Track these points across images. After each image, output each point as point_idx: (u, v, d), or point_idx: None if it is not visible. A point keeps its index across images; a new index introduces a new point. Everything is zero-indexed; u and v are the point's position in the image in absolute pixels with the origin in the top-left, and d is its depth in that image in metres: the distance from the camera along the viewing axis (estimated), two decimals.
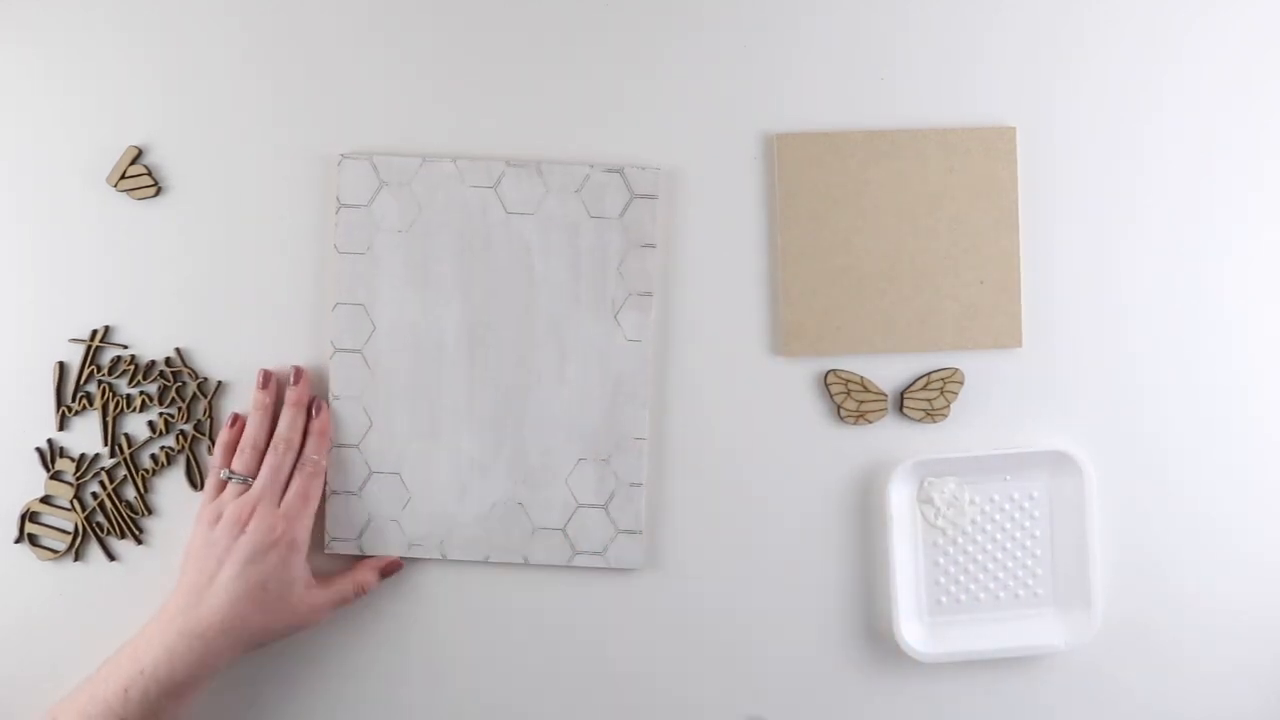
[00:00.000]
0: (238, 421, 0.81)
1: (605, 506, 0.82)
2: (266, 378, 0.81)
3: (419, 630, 0.83)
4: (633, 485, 0.82)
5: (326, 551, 0.82)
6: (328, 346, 0.82)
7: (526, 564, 0.82)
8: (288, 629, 0.78)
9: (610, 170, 0.81)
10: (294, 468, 0.80)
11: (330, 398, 0.82)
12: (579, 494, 0.82)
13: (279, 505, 0.78)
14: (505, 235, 0.82)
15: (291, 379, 0.82)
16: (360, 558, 0.82)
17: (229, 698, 0.82)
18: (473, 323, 0.82)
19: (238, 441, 0.81)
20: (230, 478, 0.79)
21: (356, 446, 0.82)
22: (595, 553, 0.82)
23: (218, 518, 0.78)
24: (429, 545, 0.82)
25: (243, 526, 0.77)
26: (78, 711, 0.75)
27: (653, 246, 0.82)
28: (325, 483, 0.81)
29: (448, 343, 0.82)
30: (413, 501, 0.82)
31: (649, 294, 0.82)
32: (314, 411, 0.81)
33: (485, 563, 0.83)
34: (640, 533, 0.82)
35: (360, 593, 0.81)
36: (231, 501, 0.78)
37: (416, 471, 0.82)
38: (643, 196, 0.81)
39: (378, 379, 0.82)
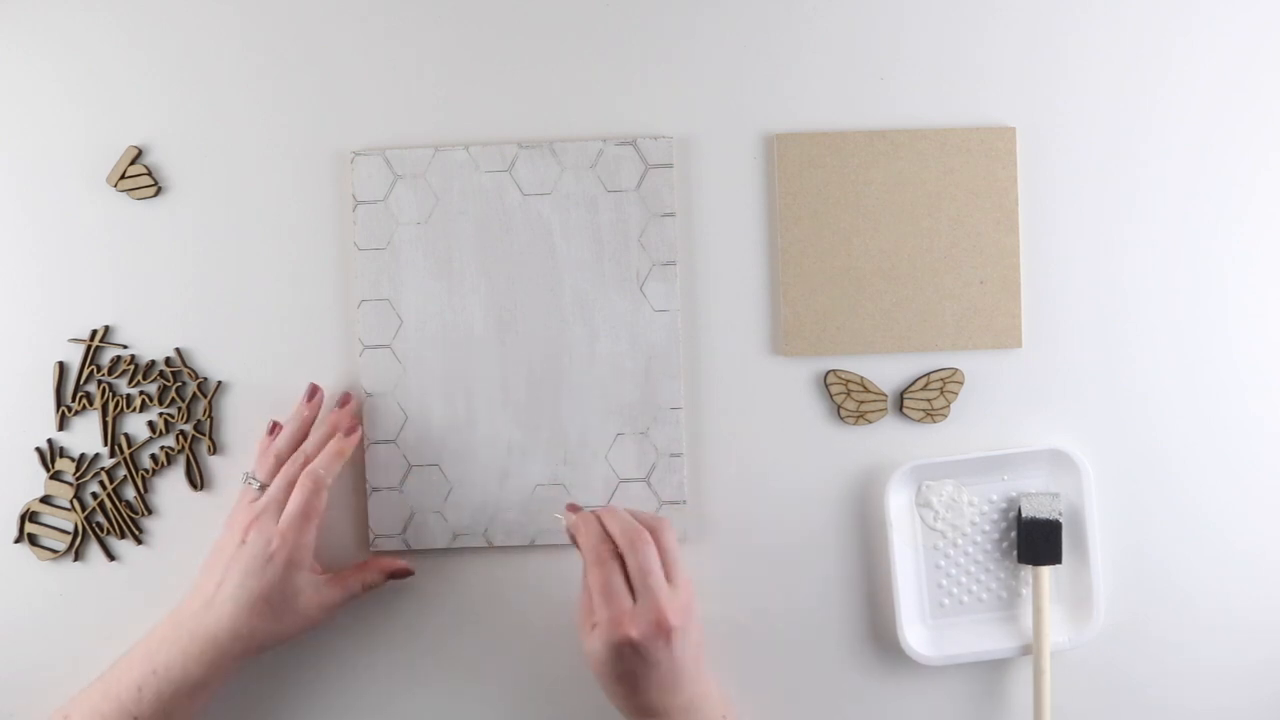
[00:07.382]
0: (275, 429, 0.81)
1: (647, 479, 0.82)
2: (313, 392, 0.81)
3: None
4: (673, 456, 0.82)
5: (372, 550, 0.82)
6: (355, 344, 0.82)
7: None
8: (299, 632, 0.77)
9: (623, 143, 0.82)
10: None
11: (363, 395, 0.81)
12: (620, 469, 0.82)
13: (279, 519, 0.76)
14: (524, 217, 0.82)
15: (339, 402, 0.81)
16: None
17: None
18: (499, 308, 0.82)
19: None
20: (250, 482, 0.79)
21: (394, 441, 0.82)
22: None
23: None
24: (473, 534, 0.82)
25: (244, 536, 0.76)
26: (91, 707, 0.75)
27: (672, 215, 0.82)
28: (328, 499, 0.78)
29: (476, 330, 0.82)
30: (454, 492, 0.82)
31: (672, 263, 0.82)
32: (344, 433, 0.79)
33: (531, 546, 0.82)
34: (684, 503, 0.82)
35: (369, 589, 0.80)
36: (243, 507, 0.78)
37: (456, 462, 0.82)
38: (658, 166, 0.82)
39: (409, 372, 0.82)
